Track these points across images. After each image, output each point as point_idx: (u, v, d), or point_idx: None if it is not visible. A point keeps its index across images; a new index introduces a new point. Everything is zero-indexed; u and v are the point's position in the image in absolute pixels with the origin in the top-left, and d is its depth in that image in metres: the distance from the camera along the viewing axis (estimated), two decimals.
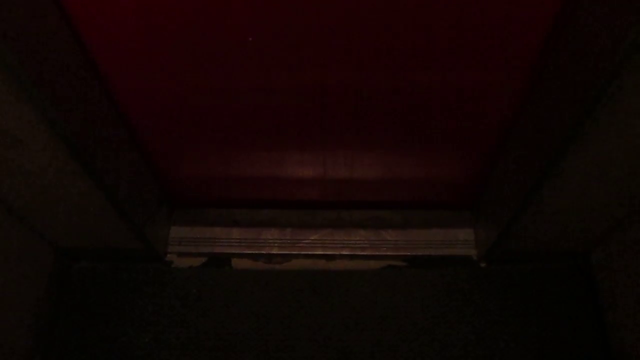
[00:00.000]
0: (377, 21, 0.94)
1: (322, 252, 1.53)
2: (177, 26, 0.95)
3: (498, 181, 1.34)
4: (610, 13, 0.80)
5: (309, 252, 1.53)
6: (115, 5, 0.91)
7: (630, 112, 0.91)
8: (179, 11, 0.92)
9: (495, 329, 1.43)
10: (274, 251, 1.53)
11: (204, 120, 1.22)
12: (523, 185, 1.17)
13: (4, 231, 1.23)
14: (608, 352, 1.39)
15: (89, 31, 0.96)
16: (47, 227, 1.35)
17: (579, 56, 0.89)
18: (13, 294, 1.28)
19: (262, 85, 1.10)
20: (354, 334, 1.43)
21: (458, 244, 1.53)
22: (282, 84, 1.10)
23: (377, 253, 1.53)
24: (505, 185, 1.29)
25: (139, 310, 1.46)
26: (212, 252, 1.54)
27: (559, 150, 1.00)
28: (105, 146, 1.12)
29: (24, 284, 1.32)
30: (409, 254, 1.53)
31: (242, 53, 1.01)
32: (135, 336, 1.43)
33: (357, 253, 1.53)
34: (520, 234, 1.35)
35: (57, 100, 0.91)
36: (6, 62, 0.80)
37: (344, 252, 1.53)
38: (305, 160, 1.37)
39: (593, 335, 1.42)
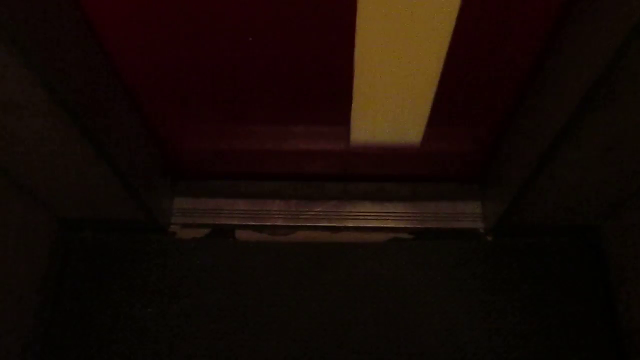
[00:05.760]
0: None
1: (327, 224, 1.51)
2: None
3: (507, 153, 1.32)
4: None
5: (314, 224, 1.51)
6: None
7: None
8: None
9: (502, 303, 1.42)
10: (279, 223, 1.52)
11: (207, 90, 1.19)
12: (532, 158, 1.14)
13: (5, 201, 1.22)
14: (617, 327, 1.37)
15: None
16: (49, 197, 1.34)
17: (595, 19, 0.86)
18: (14, 265, 1.27)
19: (267, 55, 1.08)
20: (358, 306, 1.42)
21: (465, 217, 1.51)
22: (288, 55, 1.07)
23: (383, 225, 1.51)
24: (514, 157, 1.27)
25: (142, 281, 1.45)
26: (215, 223, 1.52)
27: (571, 119, 0.98)
28: (107, 114, 1.10)
29: (25, 255, 1.32)
30: (415, 226, 1.51)
31: (247, 20, 0.99)
32: (138, 307, 1.42)
33: (362, 225, 1.51)
34: (528, 207, 1.33)
35: (56, 65, 0.89)
36: (2, 25, 0.78)
37: (349, 224, 1.51)
38: (311, 132, 1.35)
39: (602, 310, 1.41)
